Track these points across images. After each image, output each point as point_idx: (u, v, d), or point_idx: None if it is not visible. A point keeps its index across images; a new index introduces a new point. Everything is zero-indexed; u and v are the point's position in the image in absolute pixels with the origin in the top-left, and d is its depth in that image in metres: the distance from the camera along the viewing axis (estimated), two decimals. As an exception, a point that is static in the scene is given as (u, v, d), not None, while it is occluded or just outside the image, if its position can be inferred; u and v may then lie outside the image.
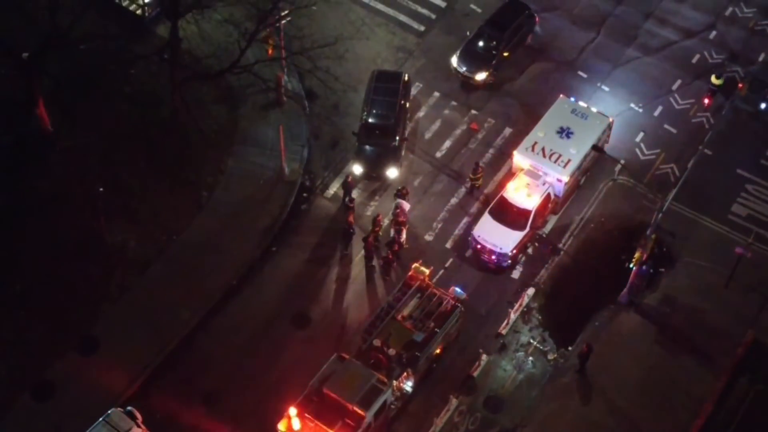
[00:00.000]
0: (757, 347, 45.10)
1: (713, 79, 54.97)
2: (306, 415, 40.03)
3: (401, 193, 48.57)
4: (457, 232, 48.96)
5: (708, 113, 53.54)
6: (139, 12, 53.76)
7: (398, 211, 47.90)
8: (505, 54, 54.42)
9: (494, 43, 54.15)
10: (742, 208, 49.96)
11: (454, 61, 54.30)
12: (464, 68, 54.04)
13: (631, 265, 45.01)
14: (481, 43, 54.45)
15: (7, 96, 48.29)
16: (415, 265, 45.50)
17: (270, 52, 50.53)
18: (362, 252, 47.92)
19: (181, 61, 50.83)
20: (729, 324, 45.40)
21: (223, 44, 51.02)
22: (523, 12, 55.30)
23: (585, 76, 54.40)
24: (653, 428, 43.00)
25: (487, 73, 53.71)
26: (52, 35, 46.11)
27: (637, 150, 51.98)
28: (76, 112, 49.15)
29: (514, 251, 46.90)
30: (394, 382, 41.89)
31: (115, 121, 49.72)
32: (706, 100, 55.86)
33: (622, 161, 50.46)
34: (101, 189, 46.64)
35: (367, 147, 49.76)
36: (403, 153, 50.35)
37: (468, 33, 55.18)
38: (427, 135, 52.03)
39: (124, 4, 53.75)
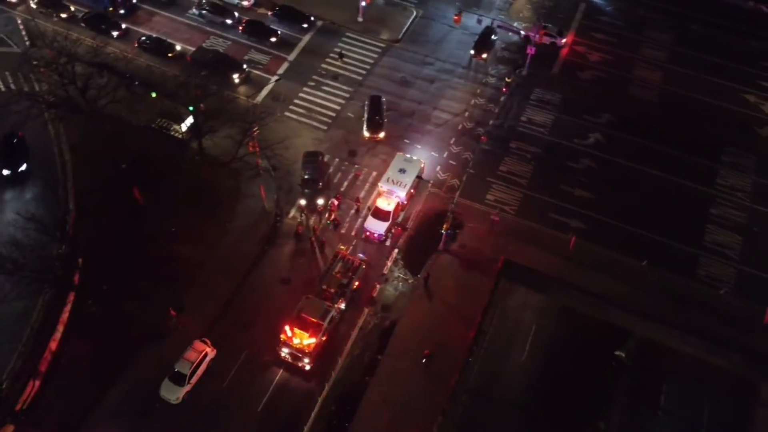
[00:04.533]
0: (507, 263, 46.62)
1: (506, 79, 57.77)
2: (293, 328, 40.99)
3: (358, 207, 49.21)
4: (357, 226, 49.74)
5: (470, 152, 54.31)
6: (181, 136, 52.80)
7: (332, 207, 48.93)
8: (384, 120, 54.34)
9: (378, 118, 53.92)
10: (491, 197, 51.74)
11: (365, 132, 53.96)
12: (371, 135, 53.85)
13: (442, 231, 46.77)
14: (373, 119, 53.98)
15: (116, 187, 46.73)
16: (339, 246, 46.93)
17: (250, 149, 50.03)
18: (308, 243, 48.18)
19: (207, 158, 50.41)
20: (493, 253, 47.07)
21: (227, 148, 50.63)
22: (380, 100, 55.26)
23: (408, 141, 54.94)
24: (465, 308, 44.00)
25: (384, 134, 54.02)
26: (139, 154, 45.49)
27: (438, 175, 53.09)
28: (154, 191, 47.92)
29: (385, 232, 48.45)
30: (335, 306, 43.03)
31: (176, 191, 48.44)
32: (504, 89, 57.34)
33: (431, 182, 52.25)
34: (173, 229, 46.38)
35: (306, 190, 50.10)
36: (322, 190, 50.28)
37: (363, 117, 54.61)
38: (336, 180, 52.47)
39: (173, 134, 52.70)
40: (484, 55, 60.79)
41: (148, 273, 42.94)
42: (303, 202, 49.40)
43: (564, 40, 63.98)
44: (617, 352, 44.92)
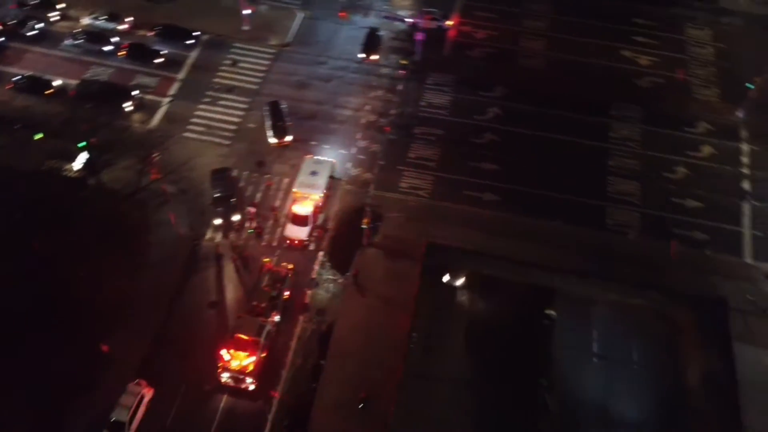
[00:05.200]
0: (431, 246, 47.25)
1: (401, 61, 58.67)
2: (230, 350, 40.31)
3: (275, 216, 48.65)
4: (277, 236, 49.14)
5: (377, 144, 54.74)
6: (75, 175, 49.93)
7: (250, 216, 48.51)
8: (288, 124, 53.90)
9: (280, 122, 53.57)
10: (404, 185, 52.59)
11: (270, 139, 53.17)
12: (277, 140, 53.15)
13: (364, 226, 46.92)
14: (276, 125, 53.41)
15: (13, 241, 43.51)
16: (263, 259, 46.26)
17: (153, 176, 48.37)
18: (231, 261, 47.52)
19: (108, 194, 48.29)
20: (416, 238, 47.77)
21: (129, 179, 48.77)
22: (279, 104, 54.83)
23: (315, 143, 54.63)
24: (398, 297, 44.47)
25: (291, 137, 53.40)
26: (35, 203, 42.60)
27: (350, 171, 53.28)
28: (57, 238, 44.45)
29: (307, 237, 48.40)
30: (270, 320, 42.59)
31: (81, 234, 45.05)
32: (402, 71, 58.10)
33: (344, 179, 52.38)
34: (80, 273, 43.14)
35: (219, 209, 49.13)
36: (235, 206, 49.36)
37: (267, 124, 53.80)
38: (248, 193, 51.57)
39: (66, 174, 49.59)
40: (375, 56, 60.76)
41: (67, 322, 40.94)
42: (218, 221, 48.77)
43: (450, 23, 65.28)
44: (547, 311, 46.61)
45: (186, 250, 47.37)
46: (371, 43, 61.31)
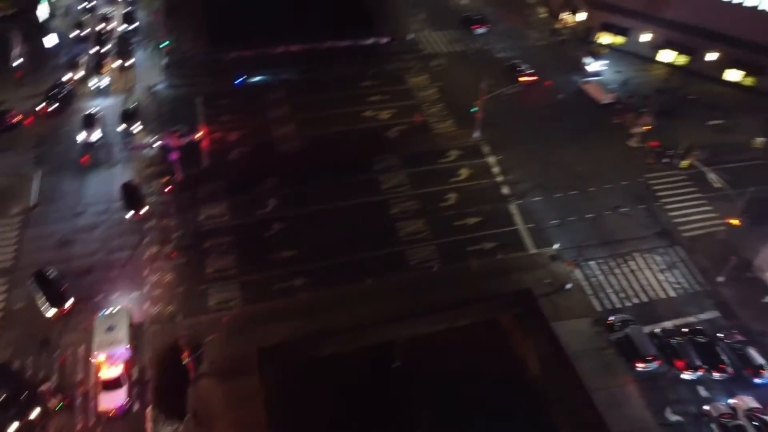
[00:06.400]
0: (262, 351, 45.18)
1: (162, 180, 56.54)
2: None
3: (83, 391, 43.57)
4: (92, 412, 43.04)
5: (170, 272, 51.84)
6: None
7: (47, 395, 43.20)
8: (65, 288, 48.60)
9: (53, 290, 47.93)
10: (213, 302, 49.95)
11: (48, 313, 47.49)
12: (58, 311, 47.46)
13: (185, 360, 44.02)
14: (49, 294, 47.83)
15: None
16: None
17: None
18: None
19: None
20: (245, 349, 45.22)
21: None
22: (44, 272, 49.49)
23: (101, 297, 49.64)
24: (247, 416, 41.66)
25: (72, 300, 48.28)
26: None
27: (150, 311, 49.18)
28: None
29: (127, 400, 43.86)
30: None
31: None
32: (169, 189, 56.55)
33: (146, 322, 48.48)
34: None
35: (10, 412, 41.68)
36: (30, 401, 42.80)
37: None
38: (40, 377, 44.63)
39: None
40: (143, 210, 56.58)
41: None
42: (14, 426, 41.91)
43: (199, 134, 65.41)
44: (394, 365, 47.46)
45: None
46: (131, 197, 56.94)
